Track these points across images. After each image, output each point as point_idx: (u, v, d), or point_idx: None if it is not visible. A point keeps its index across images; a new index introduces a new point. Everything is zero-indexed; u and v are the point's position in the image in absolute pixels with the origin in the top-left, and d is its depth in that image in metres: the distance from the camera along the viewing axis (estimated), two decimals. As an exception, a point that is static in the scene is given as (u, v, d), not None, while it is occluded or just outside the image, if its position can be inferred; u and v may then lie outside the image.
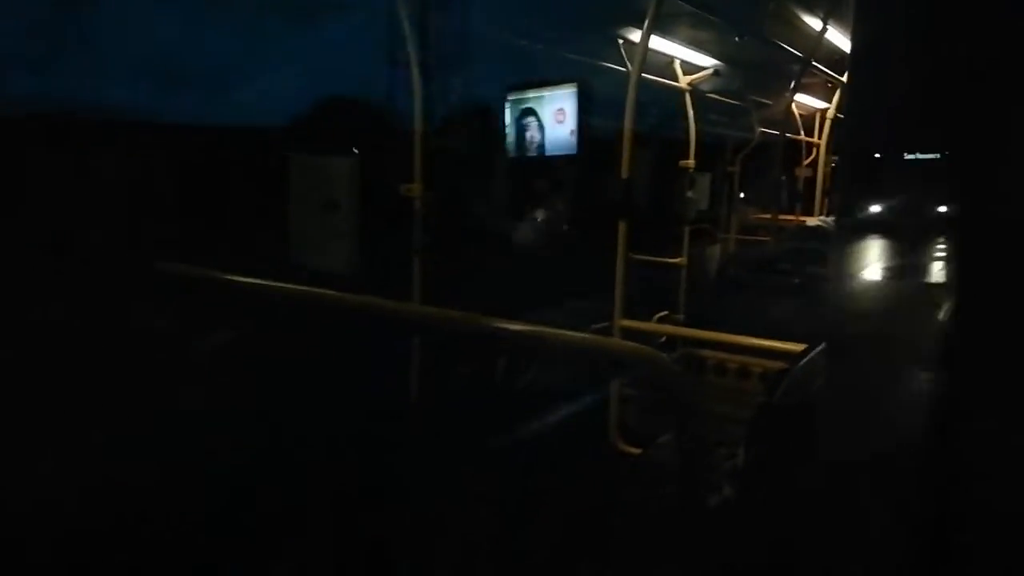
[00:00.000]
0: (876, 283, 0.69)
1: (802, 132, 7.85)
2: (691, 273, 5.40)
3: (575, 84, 4.01)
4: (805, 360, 1.17)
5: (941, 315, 0.62)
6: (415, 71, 3.88)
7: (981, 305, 0.60)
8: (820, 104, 7.91)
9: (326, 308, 1.60)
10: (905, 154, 0.65)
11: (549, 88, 4.03)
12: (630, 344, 1.37)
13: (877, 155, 0.67)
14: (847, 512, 0.65)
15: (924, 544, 0.61)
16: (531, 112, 4.09)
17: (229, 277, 1.68)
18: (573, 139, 3.92)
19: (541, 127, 4.06)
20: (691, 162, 5.31)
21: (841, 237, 0.73)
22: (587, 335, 1.10)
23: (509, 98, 4.15)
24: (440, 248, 3.89)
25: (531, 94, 4.10)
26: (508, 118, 4.16)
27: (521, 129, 4.11)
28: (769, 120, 7.28)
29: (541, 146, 4.04)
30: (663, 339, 4.89)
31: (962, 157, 0.61)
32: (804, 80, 6.08)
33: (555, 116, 4.01)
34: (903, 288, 0.67)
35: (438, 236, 3.92)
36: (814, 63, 5.50)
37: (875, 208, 0.68)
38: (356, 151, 3.94)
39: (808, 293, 4.79)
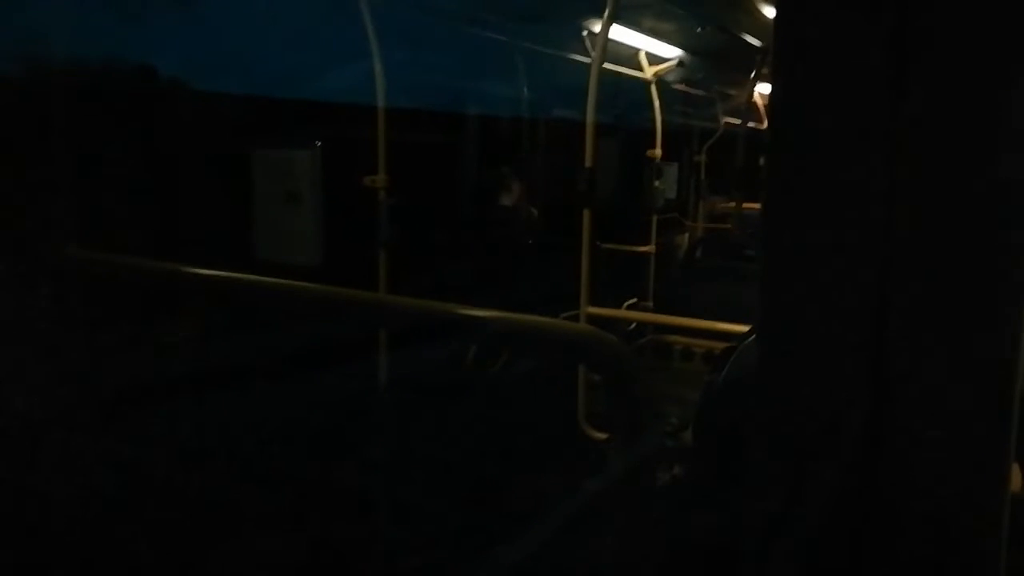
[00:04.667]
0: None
1: (765, 122, 7.95)
2: (660, 261, 5.45)
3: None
4: (750, 340, 1.19)
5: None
6: (376, 63, 3.86)
7: (912, 278, 0.62)
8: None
9: (285, 299, 1.58)
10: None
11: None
12: (581, 326, 1.39)
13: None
14: (782, 491, 0.66)
15: (856, 515, 0.63)
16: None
17: (190, 269, 1.65)
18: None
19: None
20: (658, 152, 5.35)
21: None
22: (539, 318, 1.10)
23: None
24: (408, 241, 3.88)
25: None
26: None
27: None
28: (733, 110, 7.36)
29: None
30: (632, 326, 4.94)
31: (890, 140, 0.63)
32: (764, 70, 6.16)
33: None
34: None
35: (405, 228, 3.91)
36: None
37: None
38: (318, 143, 3.91)
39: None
